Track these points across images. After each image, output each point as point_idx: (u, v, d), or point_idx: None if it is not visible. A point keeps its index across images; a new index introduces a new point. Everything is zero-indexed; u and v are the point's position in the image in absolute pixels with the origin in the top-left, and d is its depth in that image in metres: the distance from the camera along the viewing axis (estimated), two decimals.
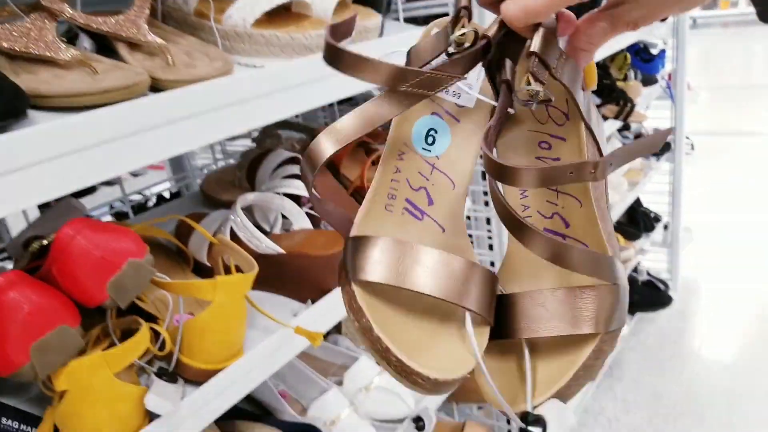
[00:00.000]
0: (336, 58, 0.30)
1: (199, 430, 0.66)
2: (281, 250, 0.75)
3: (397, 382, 0.31)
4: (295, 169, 0.85)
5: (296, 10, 0.72)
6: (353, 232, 0.35)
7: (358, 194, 0.85)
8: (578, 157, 0.37)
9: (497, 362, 0.34)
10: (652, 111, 2.25)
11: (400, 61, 0.34)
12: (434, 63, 0.34)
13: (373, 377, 0.90)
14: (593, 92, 1.58)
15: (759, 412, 1.77)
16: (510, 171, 0.29)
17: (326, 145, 0.32)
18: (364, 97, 0.46)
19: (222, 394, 0.67)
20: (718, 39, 6.73)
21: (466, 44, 0.33)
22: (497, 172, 0.29)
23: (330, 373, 0.98)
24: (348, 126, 0.32)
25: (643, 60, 2.05)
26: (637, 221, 2.25)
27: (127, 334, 0.65)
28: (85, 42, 0.64)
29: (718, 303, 2.32)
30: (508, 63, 0.33)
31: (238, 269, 0.73)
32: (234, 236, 0.77)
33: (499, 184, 0.31)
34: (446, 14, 0.78)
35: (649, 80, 2.03)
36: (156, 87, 0.59)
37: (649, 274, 2.31)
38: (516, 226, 0.30)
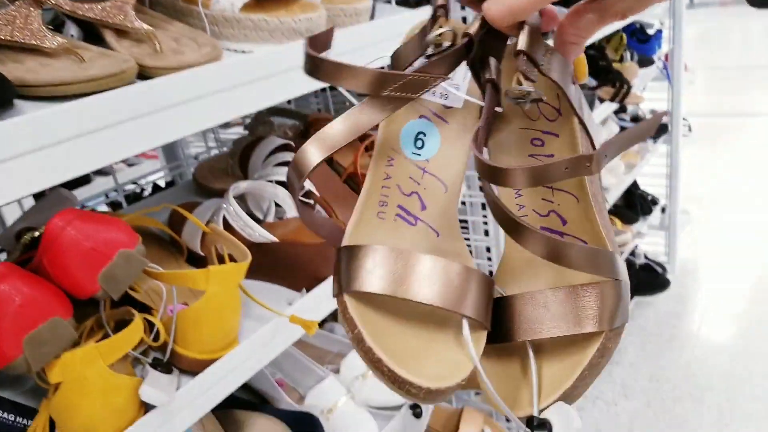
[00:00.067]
0: (315, 67, 0.30)
1: (195, 420, 0.66)
2: (275, 239, 0.74)
3: None
4: (287, 156, 0.84)
5: None
6: (345, 242, 0.34)
7: (352, 181, 0.84)
8: (572, 152, 0.36)
9: (500, 366, 0.34)
10: (648, 92, 2.24)
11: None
12: (417, 64, 0.33)
13: None
14: (589, 74, 1.57)
15: (757, 395, 1.78)
16: (503, 172, 0.28)
17: (313, 153, 0.31)
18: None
19: (218, 383, 0.67)
20: (716, 18, 6.69)
21: (445, 44, 0.32)
22: (489, 174, 0.29)
23: (326, 361, 0.98)
24: (334, 134, 0.31)
25: (640, 41, 2.03)
26: (634, 204, 2.25)
27: (121, 325, 0.64)
28: (72, 30, 0.63)
29: (716, 286, 2.33)
30: (492, 62, 0.32)
31: (232, 258, 0.73)
32: (227, 225, 0.76)
33: (493, 185, 0.30)
34: None
35: (645, 61, 2.01)
36: (144, 74, 0.58)
37: (646, 257, 2.31)
38: (512, 227, 0.29)
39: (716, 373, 1.88)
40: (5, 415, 0.64)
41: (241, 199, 0.82)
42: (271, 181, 0.80)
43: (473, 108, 0.38)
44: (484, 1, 0.31)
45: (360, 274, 0.31)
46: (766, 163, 3.30)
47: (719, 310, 2.17)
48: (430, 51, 0.33)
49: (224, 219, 0.76)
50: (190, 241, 0.77)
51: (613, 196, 1.88)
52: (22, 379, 0.71)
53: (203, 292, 0.64)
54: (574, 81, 0.35)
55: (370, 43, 0.71)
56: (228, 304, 0.66)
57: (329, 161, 0.84)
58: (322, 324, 1.02)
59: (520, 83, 0.30)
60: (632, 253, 2.24)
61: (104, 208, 1.44)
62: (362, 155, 0.86)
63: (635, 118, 2.27)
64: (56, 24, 0.63)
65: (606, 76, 1.63)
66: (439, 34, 0.32)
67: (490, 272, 1.29)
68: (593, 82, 1.62)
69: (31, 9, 0.58)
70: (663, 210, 2.42)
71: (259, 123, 1.05)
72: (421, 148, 0.38)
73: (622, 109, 2.21)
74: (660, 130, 2.24)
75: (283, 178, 0.81)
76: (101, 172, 1.73)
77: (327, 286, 0.75)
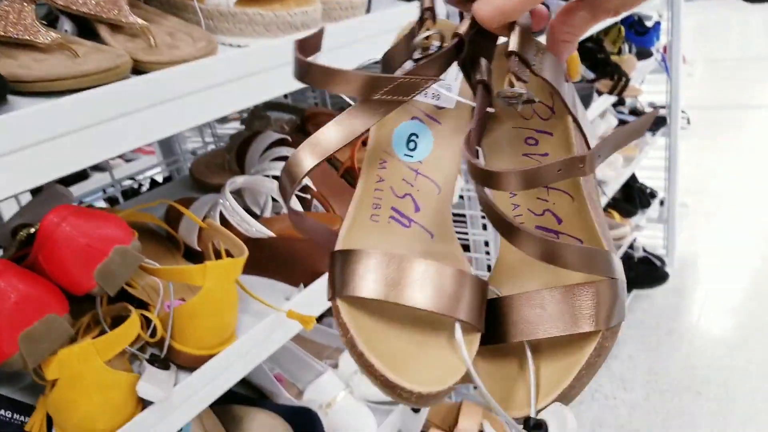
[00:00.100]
0: (305, 72, 0.30)
1: (193, 416, 0.65)
2: (272, 234, 0.74)
3: None
4: (284, 150, 0.84)
5: None
6: (338, 246, 0.34)
7: (349, 175, 0.84)
8: (566, 151, 0.36)
9: (497, 367, 0.34)
10: (647, 85, 2.23)
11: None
12: (408, 66, 0.33)
13: None
14: (587, 66, 1.57)
15: (756, 387, 1.78)
16: (495, 176, 0.28)
17: (305, 159, 0.31)
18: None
19: (215, 379, 0.67)
20: (715, 10, 6.67)
21: (433, 48, 0.32)
22: (482, 177, 0.28)
23: (325, 356, 0.98)
24: (326, 139, 0.31)
25: (638, 33, 2.02)
26: (632, 197, 2.25)
27: (118, 321, 0.64)
28: (66, 25, 0.62)
29: (714, 278, 2.33)
30: (483, 62, 0.32)
31: (229, 254, 0.72)
32: (224, 220, 0.76)
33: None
34: None
35: (643, 53, 2.01)
36: (138, 69, 0.57)
37: (645, 250, 2.32)
38: (506, 229, 0.29)
39: (715, 366, 1.88)
40: (2, 411, 0.64)
41: (238, 194, 0.82)
42: (267, 176, 0.80)
43: (466, 108, 0.38)
44: (472, 1, 0.31)
45: (352, 279, 0.31)
46: (765, 155, 3.30)
47: (718, 303, 2.18)
48: (417, 55, 0.32)
49: (221, 214, 0.76)
50: (187, 236, 0.77)
51: (611, 189, 1.87)
52: (19, 375, 0.71)
53: (200, 287, 0.64)
54: (567, 79, 0.34)
55: (366, 36, 0.71)
56: (225, 299, 0.66)
57: None
58: (319, 319, 1.02)
59: (512, 85, 0.29)
60: (631, 246, 2.25)
61: (102, 203, 1.44)
62: (359, 150, 0.85)
63: (634, 111, 2.27)
64: (50, 19, 0.63)
65: (604, 68, 1.62)
66: (426, 37, 0.32)
67: (489, 266, 1.29)
68: (591, 75, 1.62)
69: (25, 4, 0.57)
70: (661, 203, 2.42)
71: (256, 118, 1.05)
72: (414, 149, 0.37)
73: (620, 102, 2.21)
74: (658, 122, 2.23)
75: (280, 173, 0.80)
76: (99, 168, 1.72)
77: (324, 281, 0.75)
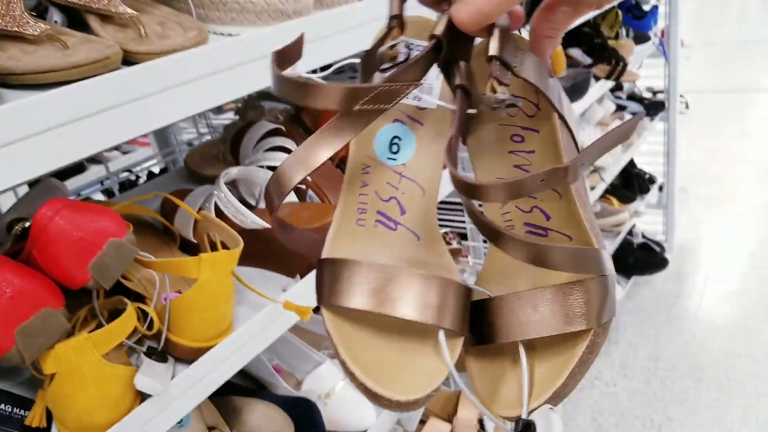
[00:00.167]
0: (282, 87, 0.29)
1: (191, 408, 0.66)
2: (267, 225, 0.74)
3: None
4: (278, 140, 0.83)
5: None
6: (324, 254, 0.34)
7: (344, 164, 0.83)
8: (553, 148, 0.36)
9: (489, 366, 0.34)
10: (644, 69, 2.22)
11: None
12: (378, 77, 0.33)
13: None
14: (584, 51, 1.56)
15: (756, 372, 1.79)
16: (479, 188, 0.28)
17: (291, 175, 0.31)
18: (349, 65, 0.44)
19: (213, 371, 0.67)
20: None
21: (401, 57, 0.32)
22: (466, 190, 0.28)
23: (323, 346, 0.98)
24: (311, 154, 0.31)
25: (635, 17, 2.01)
26: (631, 183, 2.24)
27: (115, 314, 0.64)
28: (56, 15, 0.62)
29: (714, 264, 2.33)
30: (462, 65, 0.31)
31: (225, 245, 0.72)
32: (219, 212, 0.75)
33: None
34: None
35: (641, 38, 1.99)
36: (129, 60, 0.57)
37: (644, 236, 2.31)
38: (493, 235, 0.29)
39: (715, 352, 1.89)
40: (2, 406, 0.64)
41: (233, 185, 0.82)
42: (262, 167, 0.79)
43: (448, 108, 0.38)
44: (445, 1, 0.30)
45: (337, 289, 0.31)
46: (765, 139, 3.30)
47: (718, 289, 2.18)
48: (385, 65, 0.32)
49: (216, 206, 0.76)
50: (183, 228, 0.77)
51: (609, 175, 1.87)
52: (18, 370, 0.70)
53: (196, 280, 0.64)
54: (552, 74, 0.34)
55: (359, 23, 0.70)
56: (221, 291, 0.66)
57: None
58: (316, 310, 1.02)
59: (494, 90, 0.29)
60: (630, 233, 2.24)
61: (100, 196, 1.44)
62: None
63: (632, 96, 2.26)
64: (39, 10, 0.62)
65: (601, 53, 1.61)
66: (392, 47, 0.32)
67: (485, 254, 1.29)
68: (588, 60, 1.61)
69: None
70: (660, 188, 2.42)
71: (250, 108, 1.04)
72: (397, 152, 0.37)
73: (618, 87, 2.20)
74: (657, 107, 2.22)
75: (275, 163, 0.80)
76: (95, 161, 1.72)
77: None
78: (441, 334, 0.31)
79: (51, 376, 0.58)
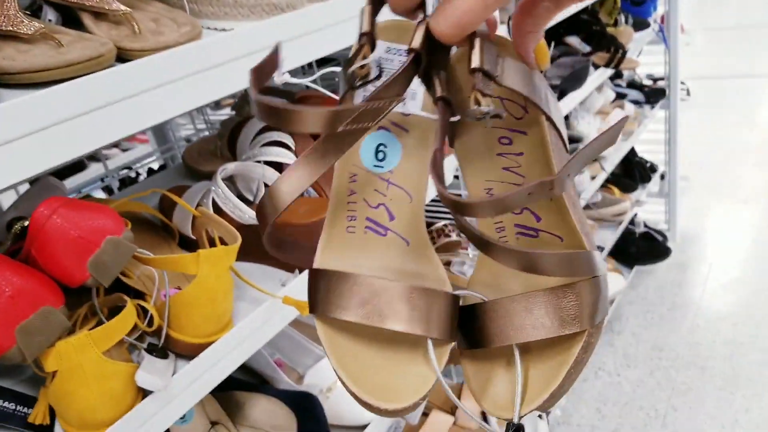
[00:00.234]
0: (263, 114, 0.29)
1: (193, 404, 0.66)
2: None
3: None
4: (275, 135, 0.83)
5: None
6: (315, 263, 0.35)
7: None
8: (541, 149, 0.36)
9: (484, 369, 0.34)
10: (644, 56, 2.21)
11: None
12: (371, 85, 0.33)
13: None
14: (582, 39, 1.55)
15: (761, 361, 1.79)
16: (466, 205, 0.28)
17: (282, 197, 0.31)
18: (345, 57, 0.44)
19: (214, 366, 0.67)
20: None
21: (372, 75, 0.32)
22: (453, 206, 0.29)
23: None
24: (300, 176, 0.31)
25: (634, 3, 1.99)
26: (632, 172, 2.23)
27: (115, 311, 0.64)
28: (50, 14, 0.61)
29: (718, 252, 2.32)
30: (441, 75, 0.31)
31: (223, 241, 0.72)
32: (217, 208, 0.75)
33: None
34: None
35: (640, 24, 1.98)
36: (123, 57, 0.57)
37: (646, 225, 2.31)
38: (483, 245, 0.29)
39: (719, 341, 1.88)
40: (6, 404, 0.64)
41: (230, 180, 0.82)
42: (259, 162, 0.79)
43: (434, 113, 0.38)
44: (419, 10, 0.30)
45: (328, 301, 0.32)
46: (767, 125, 3.28)
47: (722, 277, 2.17)
48: (356, 83, 0.32)
49: (214, 202, 0.76)
50: (182, 225, 0.77)
51: (610, 164, 1.86)
52: (21, 368, 0.71)
53: (195, 276, 0.64)
54: (535, 68, 0.34)
55: (353, 15, 0.70)
56: (220, 287, 0.66)
57: (315, 136, 0.83)
58: None
59: (478, 103, 0.29)
60: (632, 222, 2.24)
61: (100, 193, 1.44)
62: None
63: (632, 84, 2.24)
64: (33, 9, 0.62)
65: (600, 41, 1.60)
66: (361, 66, 0.32)
67: None
68: (587, 48, 1.60)
69: None
70: (662, 177, 2.41)
71: (246, 103, 1.04)
72: (383, 159, 0.37)
73: (617, 75, 2.19)
74: (657, 94, 2.21)
75: (272, 158, 0.80)
76: (95, 158, 1.72)
77: None
78: (429, 344, 0.32)
79: (53, 374, 0.58)
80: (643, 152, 2.38)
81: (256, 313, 0.70)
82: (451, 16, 0.28)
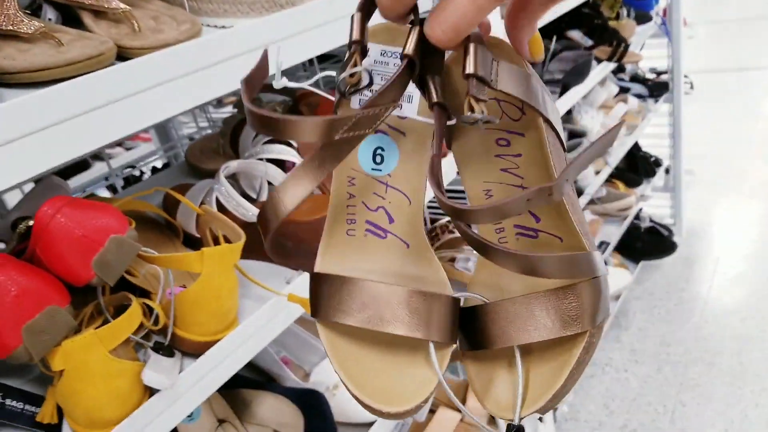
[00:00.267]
0: (259, 124, 0.29)
1: (200, 402, 0.66)
2: None
3: None
4: None
5: None
6: (316, 267, 0.35)
7: None
8: (539, 151, 0.36)
9: (487, 369, 0.34)
10: (647, 50, 2.20)
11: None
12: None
13: None
14: (584, 33, 1.54)
15: None
16: (467, 212, 0.28)
17: (282, 206, 0.31)
18: (345, 54, 0.44)
19: (221, 364, 0.67)
20: None
21: (363, 82, 0.32)
22: (453, 213, 0.29)
23: None
24: (298, 186, 0.31)
25: None
26: (636, 167, 2.22)
27: (121, 310, 0.64)
28: (50, 13, 0.62)
29: (725, 246, 2.31)
30: (436, 80, 0.32)
31: (227, 239, 0.72)
32: (220, 206, 0.75)
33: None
34: None
35: (642, 17, 1.96)
36: (123, 55, 0.57)
37: (651, 220, 2.30)
38: (483, 249, 0.29)
39: (728, 336, 1.87)
40: (14, 403, 0.65)
41: (233, 178, 0.82)
42: (261, 159, 0.79)
43: (430, 116, 0.38)
44: (410, 15, 0.30)
45: (329, 306, 0.32)
46: None
47: (729, 271, 2.16)
48: (347, 91, 0.33)
49: (217, 200, 0.76)
50: (186, 223, 0.77)
51: (614, 159, 1.85)
52: (29, 367, 0.71)
53: (200, 274, 0.64)
54: (531, 61, 0.34)
55: (353, 11, 0.69)
56: (224, 285, 0.66)
57: None
58: None
59: (472, 109, 0.29)
60: (637, 217, 2.23)
61: (105, 192, 1.44)
62: None
63: (635, 78, 2.23)
64: (33, 8, 0.62)
65: (602, 35, 1.59)
66: (351, 75, 0.32)
67: None
68: (589, 42, 1.59)
69: None
70: (667, 171, 2.40)
71: None
72: (381, 163, 0.38)
73: (620, 69, 2.18)
74: (661, 88, 2.20)
75: (274, 156, 0.80)
76: (99, 158, 1.73)
77: None
78: (431, 347, 0.32)
79: (60, 373, 0.58)
80: (647, 146, 2.37)
81: (262, 311, 0.70)
82: (446, 21, 0.28)
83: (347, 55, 0.32)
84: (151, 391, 0.63)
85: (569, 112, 1.80)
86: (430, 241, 1.25)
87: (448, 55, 0.34)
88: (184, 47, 0.56)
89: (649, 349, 1.88)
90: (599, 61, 1.59)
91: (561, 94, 1.38)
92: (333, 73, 0.34)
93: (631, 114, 2.03)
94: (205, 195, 0.77)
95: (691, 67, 2.79)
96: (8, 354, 0.55)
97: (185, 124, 1.45)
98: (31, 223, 0.64)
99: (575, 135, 1.78)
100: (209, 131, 1.30)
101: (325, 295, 0.33)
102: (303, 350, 0.95)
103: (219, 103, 1.57)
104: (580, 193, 1.67)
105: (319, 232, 0.37)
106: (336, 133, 0.28)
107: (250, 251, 0.69)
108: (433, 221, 1.27)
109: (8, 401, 0.64)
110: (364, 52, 0.32)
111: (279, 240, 0.34)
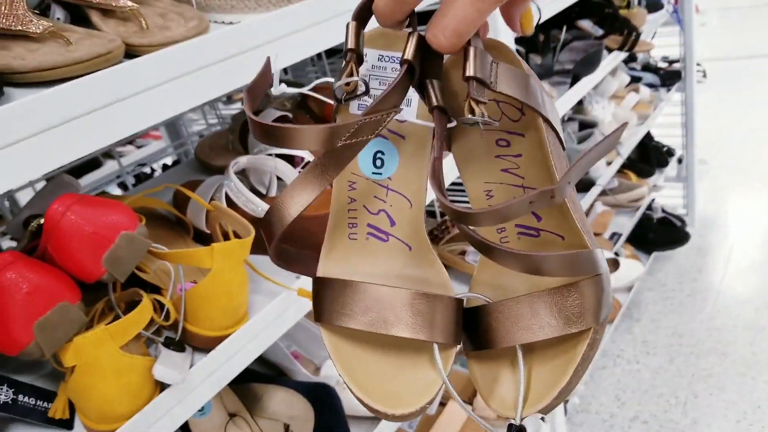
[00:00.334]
0: (260, 133, 0.29)
1: (210, 396, 0.66)
2: None
3: None
4: None
5: None
6: (319, 272, 0.35)
7: None
8: (540, 151, 0.36)
9: (491, 368, 0.34)
10: (658, 38, 2.17)
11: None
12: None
13: None
14: (594, 22, 1.52)
15: None
16: (470, 215, 0.29)
17: (287, 213, 0.32)
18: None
19: (231, 359, 0.67)
20: None
21: (360, 90, 0.32)
22: (455, 216, 0.29)
23: None
24: (301, 194, 0.31)
25: None
26: (648, 157, 2.20)
27: (132, 306, 0.65)
28: (58, 12, 0.62)
29: (738, 236, 2.29)
30: (435, 84, 0.32)
31: (237, 235, 0.72)
32: (230, 201, 0.76)
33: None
34: None
35: (654, 5, 1.94)
36: (131, 53, 0.57)
37: (664, 210, 2.28)
38: (486, 249, 0.30)
39: (740, 326, 1.86)
40: (27, 399, 0.65)
41: (243, 174, 0.82)
42: (270, 155, 0.79)
43: (428, 119, 0.38)
44: (407, 20, 0.30)
45: (332, 310, 0.32)
46: None
47: (742, 261, 2.14)
48: (343, 99, 0.33)
49: (227, 195, 0.76)
50: (196, 219, 0.77)
51: (626, 149, 1.84)
52: (41, 363, 0.72)
53: (210, 269, 0.64)
54: (530, 76, 0.34)
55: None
56: (235, 280, 0.66)
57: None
58: None
59: (472, 111, 0.29)
60: (649, 207, 2.21)
61: (116, 190, 1.45)
62: None
63: (646, 67, 2.21)
64: (42, 8, 0.63)
65: (612, 24, 1.57)
66: (347, 83, 0.32)
67: None
68: (599, 32, 1.57)
69: None
70: (679, 161, 2.38)
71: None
72: (381, 167, 0.38)
73: (632, 58, 2.15)
74: (673, 77, 2.18)
75: (283, 151, 0.80)
76: (111, 156, 1.74)
77: None
78: (435, 349, 0.32)
79: (71, 369, 0.59)
80: (660, 136, 2.34)
81: (272, 306, 0.70)
82: (448, 27, 0.28)
83: (343, 63, 0.33)
84: (162, 386, 0.63)
85: (580, 103, 1.79)
86: (440, 234, 1.25)
87: (446, 58, 0.34)
88: (192, 44, 0.56)
89: (661, 341, 1.87)
90: (610, 50, 1.57)
91: (572, 84, 1.37)
92: (332, 80, 0.34)
93: (642, 104, 2.01)
94: (215, 191, 0.77)
95: (703, 55, 2.75)
96: (20, 350, 0.56)
97: (195, 121, 1.45)
98: (42, 220, 0.65)
99: (586, 125, 1.76)
100: (218, 128, 1.31)
101: (328, 299, 0.33)
102: (313, 344, 0.95)
103: (228, 99, 1.57)
104: (591, 184, 1.66)
105: (324, 227, 0.37)
106: (338, 140, 0.29)
107: (260, 246, 0.69)
108: (442, 214, 1.27)
109: (21, 397, 0.65)
110: (360, 60, 0.33)
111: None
